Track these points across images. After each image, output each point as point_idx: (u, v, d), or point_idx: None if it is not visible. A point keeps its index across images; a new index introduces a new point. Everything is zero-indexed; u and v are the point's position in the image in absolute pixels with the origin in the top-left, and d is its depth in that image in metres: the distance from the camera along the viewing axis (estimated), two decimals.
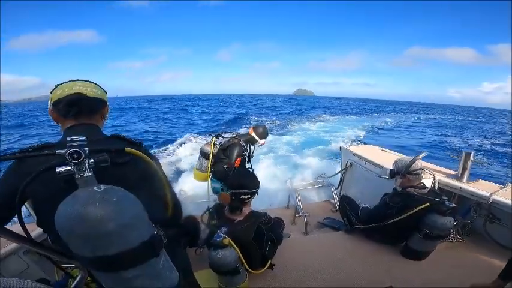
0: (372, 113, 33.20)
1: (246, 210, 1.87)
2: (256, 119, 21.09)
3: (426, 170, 2.40)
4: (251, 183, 1.86)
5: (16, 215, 0.85)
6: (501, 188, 2.38)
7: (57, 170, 0.72)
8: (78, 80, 1.02)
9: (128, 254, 0.69)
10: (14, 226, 0.93)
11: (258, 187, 1.90)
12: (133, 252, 0.70)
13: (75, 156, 0.71)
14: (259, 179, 1.94)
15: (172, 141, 11.86)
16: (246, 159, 3.01)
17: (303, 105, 46.34)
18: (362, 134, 15.73)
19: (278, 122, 19.18)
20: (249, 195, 1.83)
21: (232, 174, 2.38)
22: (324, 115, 25.93)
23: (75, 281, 0.85)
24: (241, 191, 1.80)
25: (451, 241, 2.45)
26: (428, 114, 39.59)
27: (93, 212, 0.65)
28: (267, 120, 19.99)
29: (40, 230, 0.95)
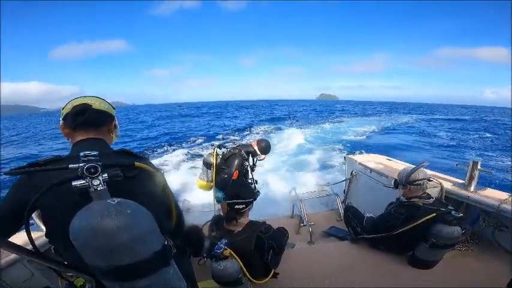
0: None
1: (244, 221, 1.87)
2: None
3: (432, 179, 2.37)
4: (246, 193, 1.87)
5: (23, 226, 0.87)
6: (510, 196, 2.34)
7: (73, 183, 0.75)
8: (87, 96, 1.07)
9: (142, 264, 0.72)
10: (19, 234, 0.95)
11: (254, 197, 1.91)
12: (147, 262, 0.73)
13: (92, 170, 0.75)
14: (261, 190, 1.94)
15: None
16: (249, 169, 3.02)
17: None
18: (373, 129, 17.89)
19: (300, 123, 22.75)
20: (244, 205, 1.83)
21: (230, 185, 2.39)
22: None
23: None
24: (235, 201, 1.82)
25: (459, 249, 2.41)
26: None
27: (109, 224, 0.67)
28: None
29: (44, 239, 0.96)
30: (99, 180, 0.76)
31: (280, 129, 18.65)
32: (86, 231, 0.68)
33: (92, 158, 0.78)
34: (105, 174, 0.78)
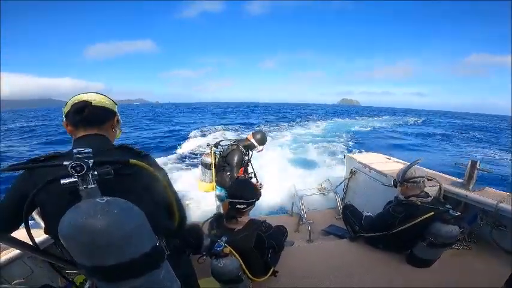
0: None
1: (244, 219, 1.87)
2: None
3: (430, 178, 2.38)
4: (248, 193, 1.87)
5: (23, 223, 0.88)
6: (508, 196, 2.35)
7: (62, 181, 0.73)
8: (88, 92, 1.06)
9: (128, 265, 0.70)
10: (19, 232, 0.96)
11: (256, 198, 1.90)
12: (134, 264, 0.71)
13: (78, 169, 0.73)
14: (261, 188, 1.93)
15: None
16: (247, 163, 3.02)
17: None
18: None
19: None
20: (245, 205, 1.83)
21: (232, 183, 2.37)
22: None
23: None
24: (236, 200, 1.82)
25: (457, 248, 2.43)
26: None
27: (94, 224, 0.66)
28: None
29: (45, 236, 0.97)
30: (89, 178, 0.74)
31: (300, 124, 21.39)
32: (72, 230, 0.67)
33: (84, 155, 0.77)
34: (95, 172, 0.76)
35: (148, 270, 0.75)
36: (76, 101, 1.00)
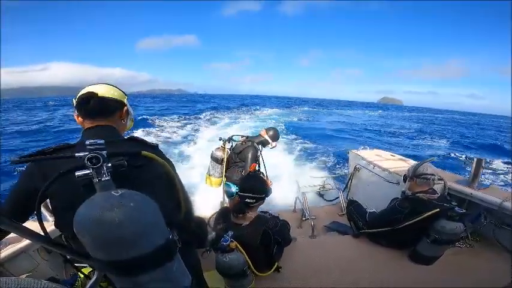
0: None
1: (252, 215, 1.87)
2: None
3: (436, 176, 2.37)
4: (259, 188, 1.86)
5: (36, 214, 0.86)
6: None
7: (77, 174, 0.73)
8: (98, 84, 1.06)
9: (143, 259, 0.69)
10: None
11: (265, 194, 1.89)
12: (149, 257, 0.70)
13: (94, 161, 0.72)
14: (271, 185, 1.92)
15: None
16: (261, 160, 2.99)
17: None
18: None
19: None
20: (255, 201, 1.83)
21: (243, 177, 2.36)
22: None
23: (90, 282, 0.85)
24: (246, 194, 1.82)
25: (460, 246, 2.43)
26: None
27: (110, 217, 0.64)
28: None
29: (53, 228, 0.96)
30: (103, 170, 0.74)
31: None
32: (87, 224, 0.65)
33: (98, 146, 0.76)
34: (109, 164, 0.76)
35: (163, 263, 0.74)
36: (83, 93, 1.01)
